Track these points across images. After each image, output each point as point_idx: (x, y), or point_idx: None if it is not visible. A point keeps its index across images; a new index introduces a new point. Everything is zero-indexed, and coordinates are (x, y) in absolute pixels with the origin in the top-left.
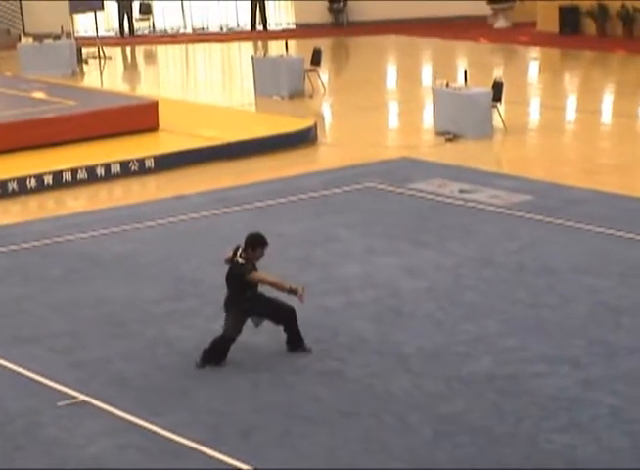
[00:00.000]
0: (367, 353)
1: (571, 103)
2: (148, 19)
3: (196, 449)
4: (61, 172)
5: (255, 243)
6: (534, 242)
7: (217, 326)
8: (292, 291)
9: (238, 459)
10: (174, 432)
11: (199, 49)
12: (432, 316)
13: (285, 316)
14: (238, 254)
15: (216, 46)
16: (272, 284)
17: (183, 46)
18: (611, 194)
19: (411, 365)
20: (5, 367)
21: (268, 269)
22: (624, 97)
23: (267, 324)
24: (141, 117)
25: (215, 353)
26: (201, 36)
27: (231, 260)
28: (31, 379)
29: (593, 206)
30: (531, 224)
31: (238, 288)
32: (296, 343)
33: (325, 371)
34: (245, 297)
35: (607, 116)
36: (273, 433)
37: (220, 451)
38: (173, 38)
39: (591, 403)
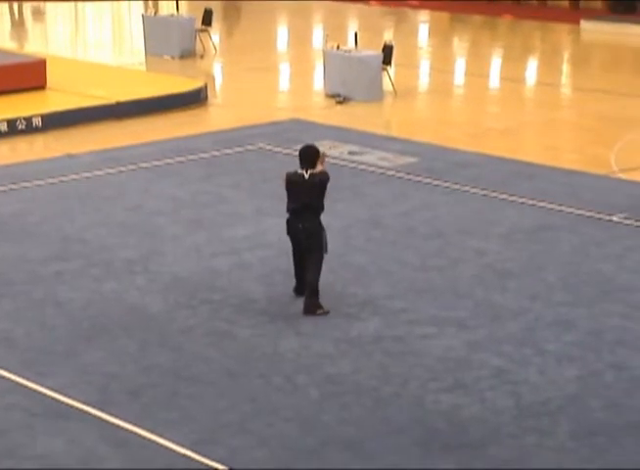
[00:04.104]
0: (256, 314)
1: (460, 67)
2: None
3: (83, 410)
4: None
5: (316, 151)
6: (422, 204)
7: (105, 287)
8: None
9: (125, 420)
10: (61, 393)
11: (88, 7)
12: (321, 278)
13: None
14: (309, 171)
15: (106, 4)
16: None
17: (72, 4)
18: (497, 157)
19: (300, 326)
20: None
21: (159, 229)
22: (511, 61)
23: (156, 285)
24: (28, 76)
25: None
26: None
27: (311, 176)
28: None
29: (479, 169)
30: (419, 187)
31: (322, 198)
32: (312, 301)
33: (214, 332)
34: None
35: (495, 80)
36: (161, 394)
37: (108, 412)
38: None
39: (477, 365)
